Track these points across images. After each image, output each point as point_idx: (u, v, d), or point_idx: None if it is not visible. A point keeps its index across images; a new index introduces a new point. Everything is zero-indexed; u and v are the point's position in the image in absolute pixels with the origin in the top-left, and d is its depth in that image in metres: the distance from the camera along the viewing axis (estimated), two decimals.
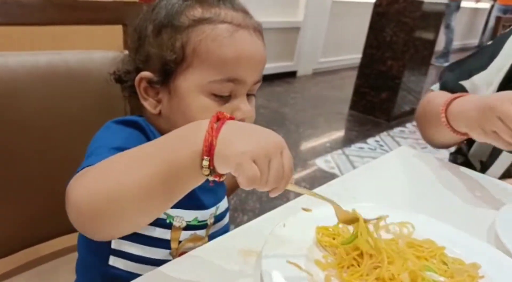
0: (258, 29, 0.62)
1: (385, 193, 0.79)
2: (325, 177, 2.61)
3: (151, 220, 0.49)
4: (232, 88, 0.60)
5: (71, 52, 0.84)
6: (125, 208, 0.45)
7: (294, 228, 0.58)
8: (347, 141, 3.30)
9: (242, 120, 0.61)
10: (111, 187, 0.45)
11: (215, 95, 0.59)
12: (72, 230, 0.88)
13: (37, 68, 0.78)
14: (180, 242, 0.64)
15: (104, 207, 0.45)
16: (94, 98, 0.85)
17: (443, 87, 1.02)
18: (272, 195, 0.46)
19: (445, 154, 1.14)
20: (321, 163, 2.83)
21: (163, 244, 0.63)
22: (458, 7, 6.24)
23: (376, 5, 3.68)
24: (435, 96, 0.99)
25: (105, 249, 0.63)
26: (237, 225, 0.63)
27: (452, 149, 1.12)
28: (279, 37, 4.55)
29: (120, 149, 0.51)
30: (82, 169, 0.50)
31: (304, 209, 0.63)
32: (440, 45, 5.91)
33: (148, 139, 0.59)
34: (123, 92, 0.68)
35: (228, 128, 0.44)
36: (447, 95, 0.90)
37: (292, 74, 4.97)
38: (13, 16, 0.83)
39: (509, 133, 0.71)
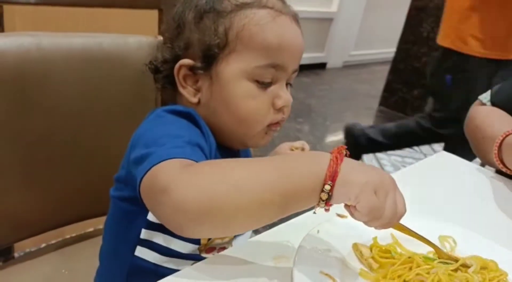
0: (296, 18, 0.63)
1: (422, 202, 0.75)
2: None
3: (251, 229, 0.51)
4: (274, 75, 0.60)
5: (106, 35, 0.83)
6: (236, 216, 0.45)
7: (328, 235, 0.55)
8: None
9: (281, 109, 0.62)
10: (229, 194, 0.44)
11: (258, 81, 0.59)
12: (95, 215, 0.89)
13: (72, 51, 0.77)
14: (209, 238, 0.63)
15: (214, 213, 0.44)
16: (127, 83, 0.84)
17: (494, 98, 0.96)
18: (379, 229, 0.47)
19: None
20: None
21: (194, 239, 0.62)
22: None
23: None
24: (487, 118, 0.93)
25: (133, 238, 0.62)
26: None
27: None
28: (311, 28, 4.47)
29: (194, 144, 0.53)
30: (166, 158, 0.48)
31: (338, 215, 0.60)
32: None
33: (201, 132, 0.59)
34: (156, 84, 0.67)
35: (348, 161, 0.45)
36: (499, 120, 0.83)
37: (321, 66, 4.90)
38: None
39: None
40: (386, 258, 0.54)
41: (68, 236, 0.94)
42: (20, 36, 0.74)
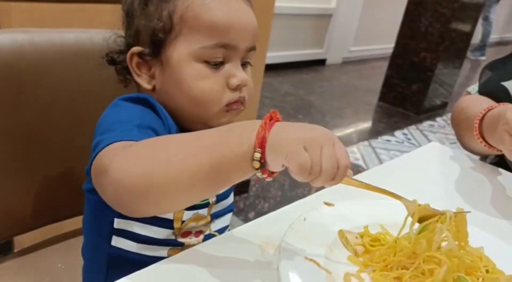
0: None
1: (414, 191, 0.75)
2: (350, 168, 2.56)
3: (193, 203, 0.51)
4: (224, 54, 0.59)
5: (97, 31, 0.83)
6: (170, 191, 0.46)
7: (314, 222, 0.56)
8: (374, 133, 3.24)
9: (239, 88, 0.61)
10: (160, 170, 0.45)
11: (208, 62, 0.59)
12: None
13: (64, 47, 0.78)
14: (183, 221, 0.63)
15: (149, 188, 0.45)
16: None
17: (482, 88, 0.96)
18: (329, 186, 0.45)
19: None
20: None
21: (166, 223, 0.62)
22: None
23: None
24: (471, 101, 0.93)
25: (108, 229, 0.63)
26: (257, 212, 0.62)
27: None
28: (310, 24, 4.46)
29: (146, 127, 0.53)
30: (112, 142, 0.49)
31: (326, 203, 0.61)
32: (476, 38, 5.70)
33: (159, 117, 0.59)
34: (118, 76, 0.67)
35: (280, 124, 0.44)
36: (484, 102, 0.84)
37: (321, 62, 4.89)
38: None
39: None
40: (376, 246, 0.55)
41: (64, 231, 0.95)
42: (14, 32, 0.74)
